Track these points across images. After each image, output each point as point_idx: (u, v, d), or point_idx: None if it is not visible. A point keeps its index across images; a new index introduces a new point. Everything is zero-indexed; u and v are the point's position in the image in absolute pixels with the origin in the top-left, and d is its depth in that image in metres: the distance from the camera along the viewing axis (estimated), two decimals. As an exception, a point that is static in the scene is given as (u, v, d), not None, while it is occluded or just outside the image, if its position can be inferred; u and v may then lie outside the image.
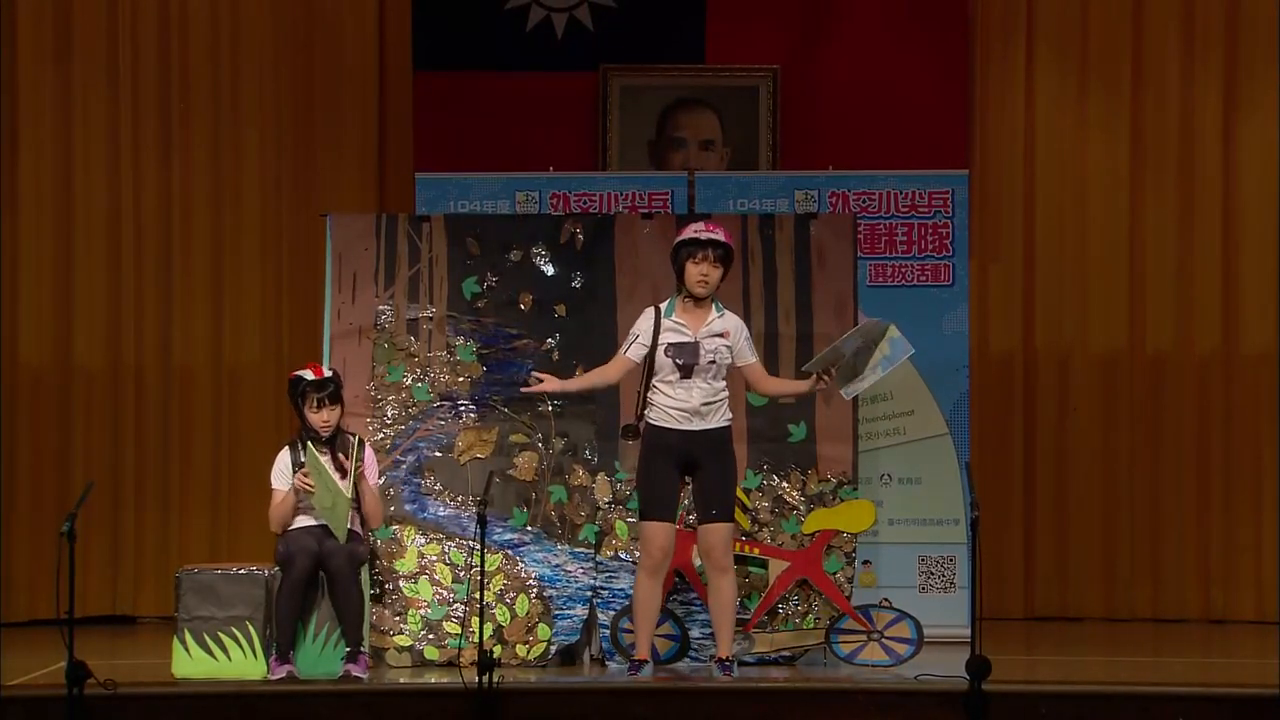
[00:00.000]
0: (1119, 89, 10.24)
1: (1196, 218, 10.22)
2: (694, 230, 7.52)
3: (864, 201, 9.40)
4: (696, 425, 7.44)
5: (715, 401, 7.47)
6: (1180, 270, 10.22)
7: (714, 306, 7.54)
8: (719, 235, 7.48)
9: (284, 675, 7.45)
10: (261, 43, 10.28)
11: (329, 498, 7.54)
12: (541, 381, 7.50)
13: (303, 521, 7.66)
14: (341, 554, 7.58)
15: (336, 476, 7.59)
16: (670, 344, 7.45)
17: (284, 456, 7.74)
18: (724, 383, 7.50)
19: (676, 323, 7.49)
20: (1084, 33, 10.26)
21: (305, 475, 7.57)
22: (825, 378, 7.44)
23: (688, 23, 10.13)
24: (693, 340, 7.45)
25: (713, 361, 7.44)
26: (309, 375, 7.74)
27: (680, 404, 7.42)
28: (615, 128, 10.12)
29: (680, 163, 10.06)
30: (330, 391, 7.72)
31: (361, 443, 7.76)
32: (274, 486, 7.72)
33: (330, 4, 10.32)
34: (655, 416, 7.48)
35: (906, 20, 10.02)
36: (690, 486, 7.57)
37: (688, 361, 7.43)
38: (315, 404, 7.69)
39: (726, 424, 7.51)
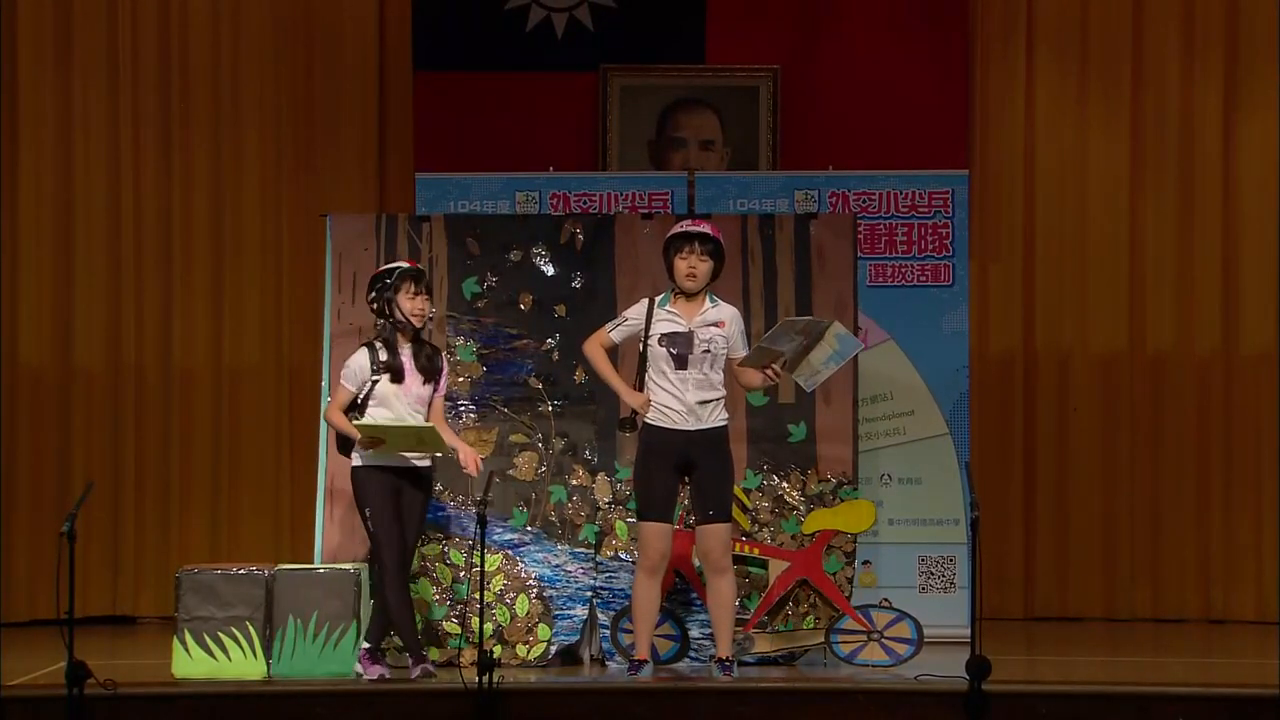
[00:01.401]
0: (1119, 89, 10.24)
1: (1196, 218, 10.22)
2: (680, 225, 7.54)
3: (864, 201, 9.40)
4: (693, 425, 7.43)
5: (711, 400, 7.46)
6: (1180, 270, 10.22)
7: (708, 298, 7.54)
8: (705, 228, 7.49)
9: (376, 677, 7.40)
10: (262, 43, 10.28)
11: (411, 439, 7.44)
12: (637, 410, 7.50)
13: (373, 457, 7.46)
14: (407, 554, 7.54)
15: (410, 410, 7.48)
16: (664, 334, 7.46)
17: (360, 356, 7.57)
18: (720, 377, 7.49)
19: (670, 312, 7.49)
20: (1084, 33, 10.26)
21: (370, 444, 7.40)
22: (770, 372, 7.41)
23: (688, 23, 10.13)
24: (687, 329, 7.45)
25: (707, 351, 7.43)
26: (403, 265, 7.66)
27: (676, 401, 7.42)
28: (615, 128, 10.13)
29: (680, 163, 10.06)
30: (426, 281, 7.64)
31: (439, 352, 7.70)
32: (341, 383, 7.58)
33: (330, 4, 10.32)
34: (652, 416, 7.48)
35: (906, 20, 10.02)
36: (688, 487, 7.57)
37: (682, 351, 7.42)
38: (413, 290, 7.56)
39: (723, 424, 7.50)
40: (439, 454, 7.59)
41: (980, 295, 10.04)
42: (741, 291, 8.37)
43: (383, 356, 7.54)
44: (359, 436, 7.45)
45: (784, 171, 9.79)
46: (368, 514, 7.51)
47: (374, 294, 7.62)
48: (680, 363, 7.43)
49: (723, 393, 7.51)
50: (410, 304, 7.55)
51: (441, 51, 10.05)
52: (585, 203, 9.48)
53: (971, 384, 9.44)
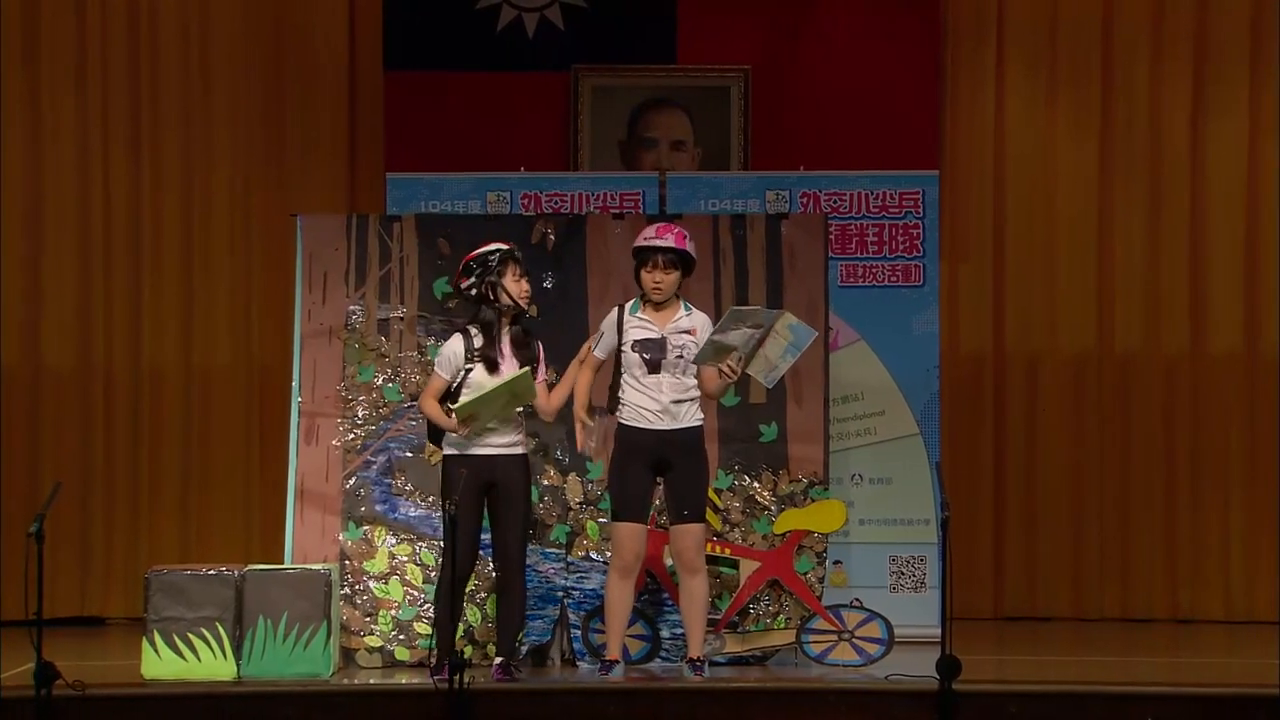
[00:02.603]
0: (1089, 90, 10.27)
1: (1165, 219, 10.26)
2: (644, 238, 7.53)
3: (835, 202, 9.42)
4: (668, 424, 7.44)
5: (685, 400, 7.47)
6: (1149, 271, 10.25)
7: (681, 304, 7.55)
8: (669, 241, 7.48)
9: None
10: (232, 42, 10.24)
11: (504, 398, 7.31)
12: (589, 434, 7.52)
13: (459, 446, 7.38)
14: (514, 542, 7.38)
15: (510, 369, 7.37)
16: (637, 340, 7.47)
17: (455, 343, 7.49)
18: (693, 380, 7.50)
19: (642, 319, 7.51)
20: (1054, 34, 10.29)
21: (464, 422, 7.28)
22: (726, 369, 7.36)
23: (659, 23, 10.12)
24: (659, 336, 7.46)
25: (680, 357, 7.45)
26: (502, 246, 7.52)
27: (650, 401, 7.43)
28: (586, 128, 10.12)
29: (651, 163, 10.06)
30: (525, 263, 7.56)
31: (535, 338, 7.56)
32: (435, 371, 7.50)
33: (301, 4, 10.29)
34: (627, 416, 7.49)
35: (878, 21, 10.03)
36: (662, 487, 7.57)
37: (655, 357, 7.44)
38: (519, 273, 7.46)
39: (697, 423, 7.51)
40: (530, 403, 7.44)
41: (950, 296, 10.06)
42: (713, 292, 8.38)
43: (478, 344, 7.46)
44: (454, 425, 7.33)
45: (755, 172, 9.79)
46: (449, 509, 7.36)
47: (474, 279, 7.47)
48: (653, 368, 7.44)
49: (697, 394, 7.51)
50: (516, 287, 7.45)
51: (412, 51, 10.03)
52: (556, 203, 9.47)
53: (942, 384, 9.46)
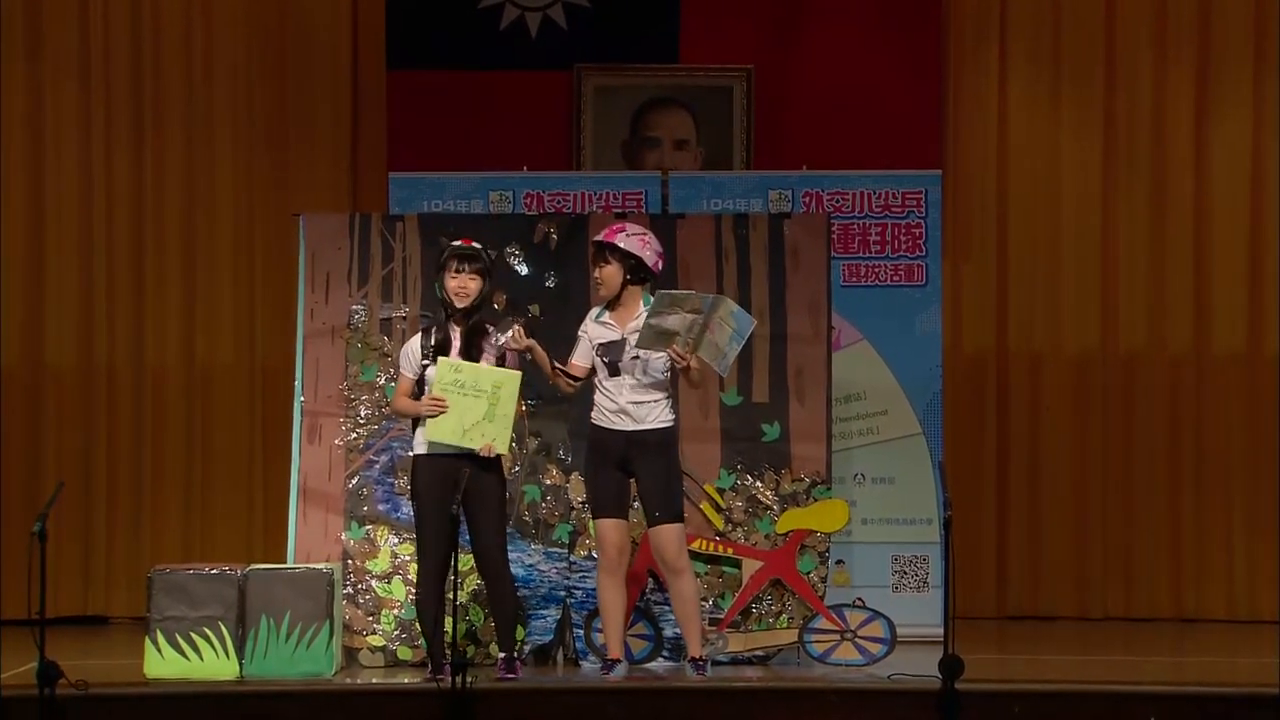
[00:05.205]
0: (1092, 89, 10.27)
1: (1169, 218, 10.25)
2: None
3: (838, 201, 9.42)
4: (629, 425, 7.41)
5: (646, 401, 7.41)
6: (1152, 270, 10.25)
7: (643, 302, 7.47)
8: (599, 236, 7.48)
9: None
10: (235, 42, 10.25)
11: (485, 384, 7.28)
12: (531, 343, 7.40)
13: (430, 447, 7.36)
14: (492, 543, 7.37)
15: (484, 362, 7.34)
16: (600, 343, 7.46)
17: (413, 341, 7.53)
18: (660, 378, 7.42)
19: (605, 322, 7.50)
20: (1056, 33, 10.29)
21: (437, 398, 7.28)
22: (673, 354, 7.26)
23: (662, 22, 10.13)
24: (619, 338, 7.44)
25: (636, 358, 7.40)
26: (456, 243, 7.52)
27: (609, 402, 7.42)
28: (589, 127, 10.12)
29: (654, 162, 10.06)
30: (477, 263, 7.43)
31: (491, 332, 7.45)
32: (400, 371, 7.54)
33: (304, 3, 10.29)
34: (594, 416, 7.49)
35: (880, 20, 10.04)
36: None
37: (613, 359, 7.42)
38: (455, 268, 7.42)
39: (663, 425, 7.43)
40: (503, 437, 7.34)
41: (953, 295, 10.06)
42: (715, 292, 8.35)
43: (432, 340, 7.48)
44: (428, 403, 7.31)
45: (758, 171, 9.80)
46: (415, 508, 7.39)
47: (435, 273, 7.56)
48: (613, 370, 7.42)
49: (663, 395, 7.45)
50: (452, 283, 7.42)
51: (415, 50, 10.03)
52: (559, 202, 9.47)
53: (945, 383, 9.46)
